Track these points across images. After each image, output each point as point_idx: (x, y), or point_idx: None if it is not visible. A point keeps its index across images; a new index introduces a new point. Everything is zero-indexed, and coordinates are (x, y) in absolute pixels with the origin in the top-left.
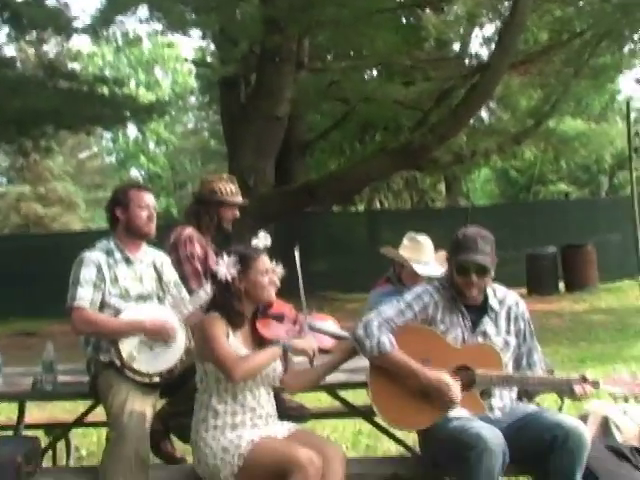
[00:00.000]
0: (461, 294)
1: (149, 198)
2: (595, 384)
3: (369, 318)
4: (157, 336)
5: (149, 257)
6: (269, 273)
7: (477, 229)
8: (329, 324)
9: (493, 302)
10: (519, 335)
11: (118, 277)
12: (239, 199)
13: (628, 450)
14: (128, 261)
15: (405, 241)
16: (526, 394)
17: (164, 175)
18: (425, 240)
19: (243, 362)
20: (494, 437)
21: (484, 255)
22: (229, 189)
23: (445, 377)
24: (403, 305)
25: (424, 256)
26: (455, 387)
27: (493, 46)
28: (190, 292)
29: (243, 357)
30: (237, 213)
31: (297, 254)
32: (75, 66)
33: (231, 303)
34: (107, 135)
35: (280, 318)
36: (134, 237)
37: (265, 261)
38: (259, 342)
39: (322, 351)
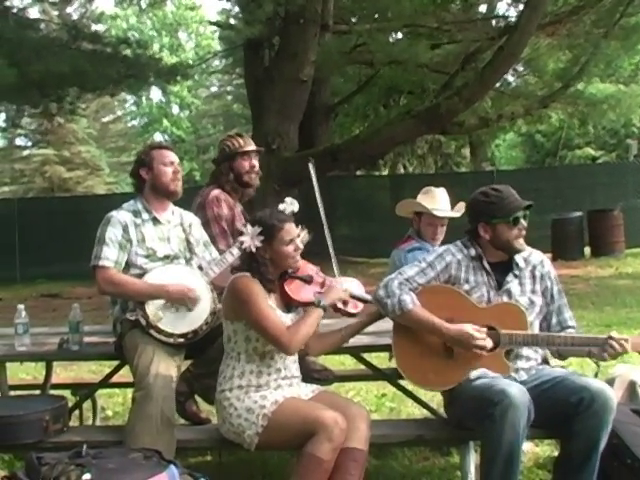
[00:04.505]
0: (510, 250)
1: (172, 155)
2: (624, 342)
3: (390, 278)
4: (179, 301)
5: (177, 218)
6: (294, 242)
7: (494, 185)
8: (354, 286)
9: (518, 259)
10: (546, 294)
11: (145, 237)
12: (248, 147)
13: None
14: (155, 221)
15: (420, 195)
16: (558, 355)
17: (187, 139)
18: (440, 190)
19: (295, 334)
20: (519, 393)
21: None
22: (236, 142)
23: (467, 328)
24: (424, 264)
25: (440, 204)
26: (480, 335)
27: (521, 7)
28: (218, 253)
29: (292, 327)
30: (254, 162)
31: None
32: (99, 28)
33: (259, 271)
34: (130, 99)
35: (308, 280)
36: (161, 196)
37: (289, 230)
38: (287, 304)
39: (348, 315)
